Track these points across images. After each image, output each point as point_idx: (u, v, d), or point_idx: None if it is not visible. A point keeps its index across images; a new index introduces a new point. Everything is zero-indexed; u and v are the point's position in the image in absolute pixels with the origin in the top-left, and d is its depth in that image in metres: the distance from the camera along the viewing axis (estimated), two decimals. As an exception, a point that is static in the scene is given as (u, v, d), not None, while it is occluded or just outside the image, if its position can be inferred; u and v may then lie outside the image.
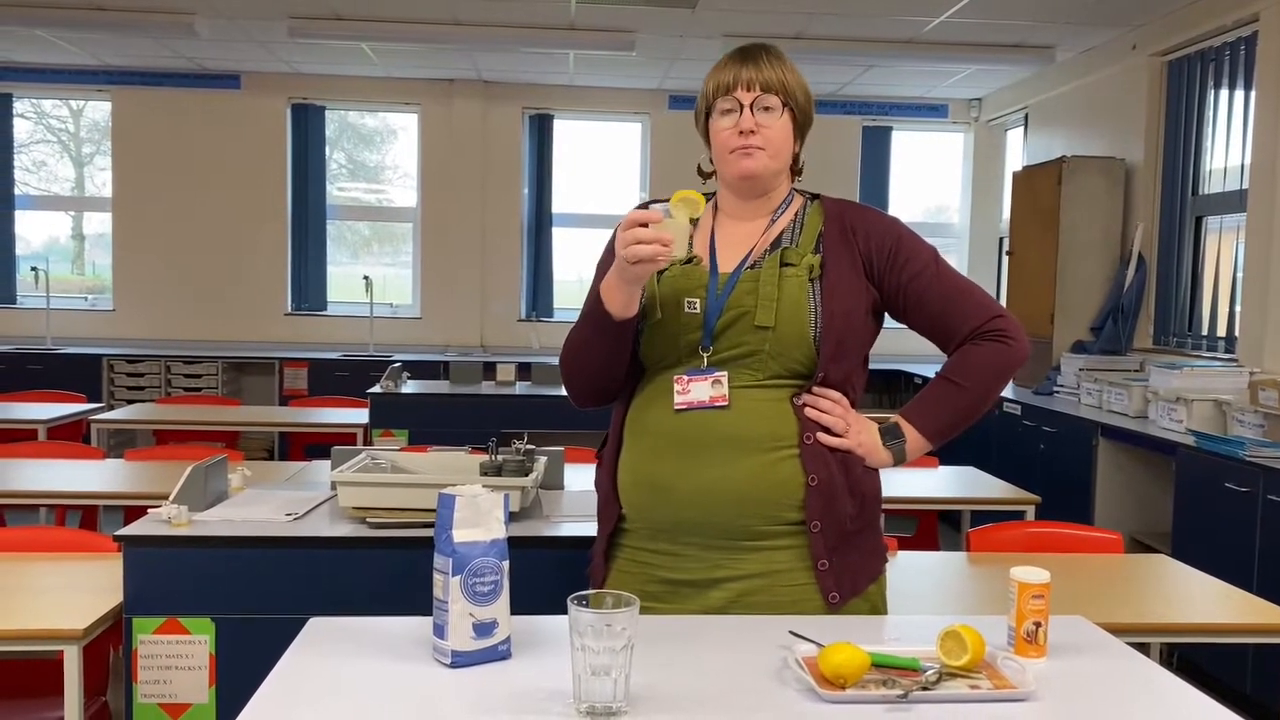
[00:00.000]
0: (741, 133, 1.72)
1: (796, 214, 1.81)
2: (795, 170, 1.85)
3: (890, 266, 1.76)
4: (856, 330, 1.73)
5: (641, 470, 1.75)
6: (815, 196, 1.85)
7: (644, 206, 1.63)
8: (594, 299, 1.70)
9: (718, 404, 1.69)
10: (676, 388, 1.71)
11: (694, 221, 1.64)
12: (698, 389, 1.70)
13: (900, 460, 1.78)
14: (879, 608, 1.79)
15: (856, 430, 1.74)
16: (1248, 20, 5.02)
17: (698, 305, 1.73)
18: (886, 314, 1.82)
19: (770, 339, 1.69)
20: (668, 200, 1.62)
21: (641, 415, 1.77)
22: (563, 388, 1.88)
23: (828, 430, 1.71)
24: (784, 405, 1.70)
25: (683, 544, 1.72)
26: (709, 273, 1.75)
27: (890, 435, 1.78)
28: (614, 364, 1.75)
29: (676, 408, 1.71)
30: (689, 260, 1.76)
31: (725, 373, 1.70)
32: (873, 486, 1.78)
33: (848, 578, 1.72)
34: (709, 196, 1.88)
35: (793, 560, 1.70)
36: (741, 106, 1.72)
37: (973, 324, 1.76)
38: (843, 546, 1.72)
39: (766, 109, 1.73)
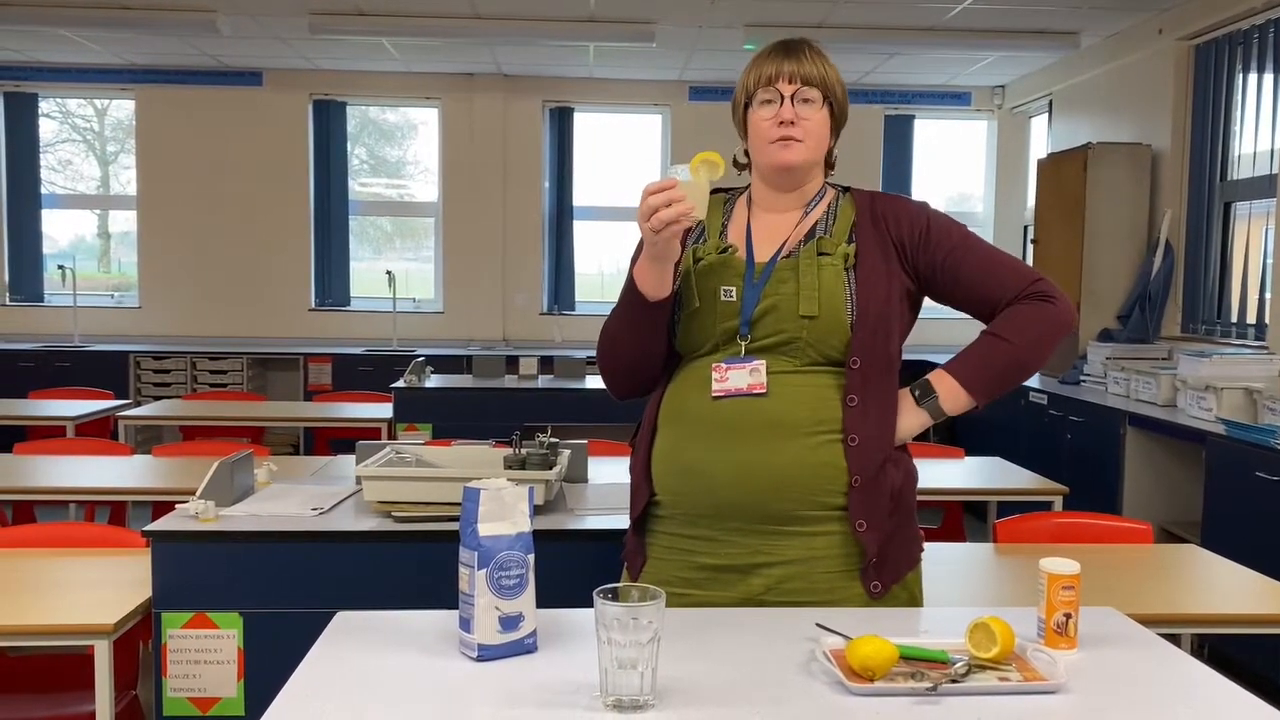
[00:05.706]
0: (781, 123, 1.73)
1: (830, 206, 1.82)
2: (829, 164, 1.86)
3: (924, 247, 1.76)
4: (890, 317, 1.74)
5: (679, 457, 1.75)
6: (846, 189, 1.86)
7: None
8: (628, 284, 1.72)
9: (756, 391, 1.70)
10: (714, 375, 1.72)
11: (718, 197, 1.60)
12: (736, 377, 1.71)
13: (936, 417, 1.77)
14: (916, 596, 1.79)
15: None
16: (1277, 3, 4.95)
17: (734, 294, 1.74)
18: (926, 298, 1.82)
19: (809, 327, 1.70)
20: (687, 164, 1.61)
21: (677, 403, 1.77)
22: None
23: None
24: (823, 390, 1.71)
25: (723, 529, 1.72)
26: (745, 262, 1.75)
27: (923, 393, 1.77)
28: (651, 350, 1.77)
29: (714, 395, 1.72)
30: (725, 250, 1.77)
31: (763, 361, 1.71)
32: (907, 479, 1.77)
33: (889, 568, 1.73)
34: (743, 190, 1.89)
35: (832, 547, 1.70)
36: (782, 98, 1.74)
37: (1014, 289, 1.77)
38: (883, 540, 1.72)
39: (806, 101, 1.74)
